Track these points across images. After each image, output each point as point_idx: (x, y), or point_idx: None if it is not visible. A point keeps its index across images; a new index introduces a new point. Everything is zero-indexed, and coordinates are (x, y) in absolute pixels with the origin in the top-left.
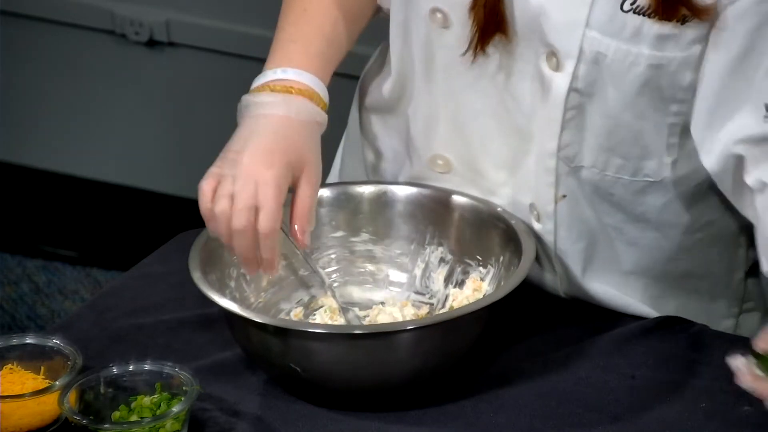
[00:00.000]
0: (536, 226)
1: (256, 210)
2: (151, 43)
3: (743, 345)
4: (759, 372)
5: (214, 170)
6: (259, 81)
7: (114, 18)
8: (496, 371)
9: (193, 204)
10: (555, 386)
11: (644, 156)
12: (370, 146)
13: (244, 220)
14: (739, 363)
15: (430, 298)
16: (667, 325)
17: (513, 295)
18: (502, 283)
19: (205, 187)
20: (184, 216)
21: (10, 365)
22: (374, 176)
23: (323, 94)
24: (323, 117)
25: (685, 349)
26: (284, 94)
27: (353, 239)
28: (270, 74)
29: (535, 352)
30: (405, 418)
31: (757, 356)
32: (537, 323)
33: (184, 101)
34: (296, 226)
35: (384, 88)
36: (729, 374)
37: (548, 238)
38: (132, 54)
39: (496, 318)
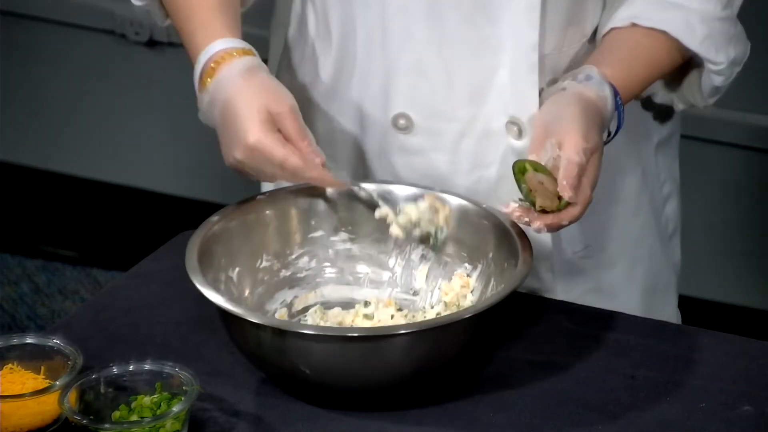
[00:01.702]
0: (518, 144)
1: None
2: (151, 43)
3: (743, 345)
4: (521, 195)
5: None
6: (199, 67)
7: (114, 18)
8: (495, 371)
9: (193, 204)
10: (555, 386)
11: (583, 18)
12: (326, 142)
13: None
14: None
15: (413, 295)
16: (666, 325)
17: (512, 295)
18: (493, 279)
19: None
20: (184, 216)
21: (10, 365)
22: (342, 169)
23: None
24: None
25: (684, 349)
26: (227, 61)
27: (333, 239)
28: (202, 58)
29: (535, 352)
30: (405, 418)
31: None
32: (536, 323)
33: (184, 101)
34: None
35: (322, 73)
36: (729, 374)
37: None
38: (132, 54)
39: (495, 318)
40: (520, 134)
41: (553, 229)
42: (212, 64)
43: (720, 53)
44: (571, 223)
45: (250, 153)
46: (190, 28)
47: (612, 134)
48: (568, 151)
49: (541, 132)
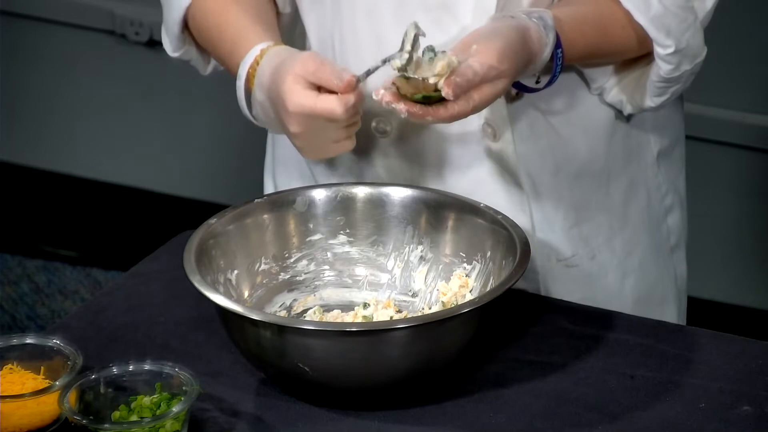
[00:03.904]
0: (494, 146)
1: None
2: (151, 43)
3: (743, 345)
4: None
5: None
6: (244, 68)
7: (114, 18)
8: (495, 371)
9: (193, 204)
10: (555, 386)
11: None
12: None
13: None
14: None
15: (412, 296)
16: (666, 325)
17: (512, 295)
18: (492, 278)
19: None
20: (184, 216)
21: (10, 365)
22: (325, 175)
23: None
24: None
25: (684, 349)
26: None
27: (331, 241)
28: (248, 59)
29: (535, 352)
30: (404, 418)
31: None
32: (536, 323)
33: (184, 101)
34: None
35: None
36: (728, 374)
37: (508, 150)
38: (132, 54)
39: (494, 314)
40: (495, 136)
41: (415, 116)
42: (253, 63)
43: (670, 37)
44: (436, 121)
45: (296, 119)
46: (228, 44)
47: (543, 85)
48: (475, 58)
49: (471, 38)
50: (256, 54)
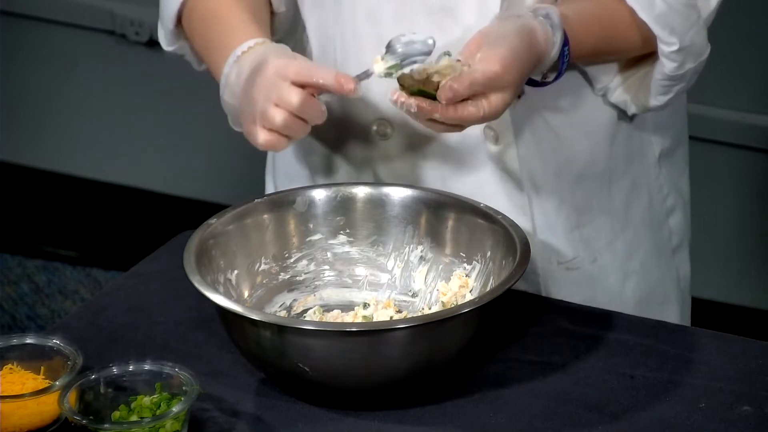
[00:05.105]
0: (496, 149)
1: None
2: (151, 43)
3: (743, 345)
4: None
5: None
6: (230, 61)
7: (114, 18)
8: (495, 371)
9: (193, 204)
10: (555, 386)
11: None
12: (309, 150)
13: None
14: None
15: (412, 296)
16: (666, 325)
17: (512, 295)
18: (492, 278)
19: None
20: (184, 216)
21: (10, 365)
22: (326, 177)
23: None
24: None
25: (684, 349)
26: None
27: (331, 242)
28: (236, 52)
29: (535, 351)
30: (404, 418)
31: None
32: (536, 323)
33: (184, 101)
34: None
35: None
36: (728, 374)
37: (510, 153)
38: (132, 54)
39: (494, 314)
40: (497, 139)
41: (424, 112)
42: (246, 49)
43: (674, 35)
44: (444, 124)
45: (268, 78)
46: (220, 36)
47: (550, 80)
48: (479, 66)
49: (476, 42)
50: (258, 42)
